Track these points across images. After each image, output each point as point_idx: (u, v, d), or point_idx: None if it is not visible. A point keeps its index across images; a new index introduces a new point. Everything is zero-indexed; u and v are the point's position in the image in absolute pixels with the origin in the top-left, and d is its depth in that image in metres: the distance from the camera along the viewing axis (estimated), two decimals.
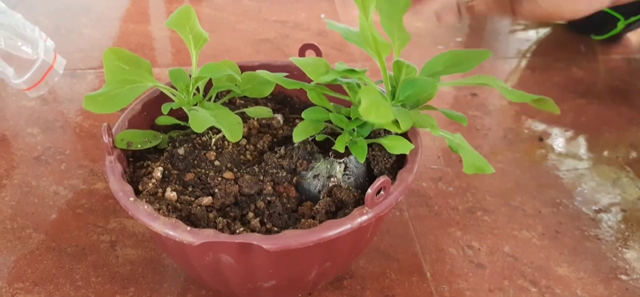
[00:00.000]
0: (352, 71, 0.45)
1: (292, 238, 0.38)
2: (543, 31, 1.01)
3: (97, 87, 0.82)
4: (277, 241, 0.38)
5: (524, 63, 0.91)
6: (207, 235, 0.38)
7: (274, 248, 0.37)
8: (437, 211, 0.60)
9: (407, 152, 0.45)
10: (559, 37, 0.99)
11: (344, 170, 0.45)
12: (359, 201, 0.43)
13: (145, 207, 0.40)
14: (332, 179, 0.45)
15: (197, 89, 0.49)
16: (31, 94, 0.68)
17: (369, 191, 0.39)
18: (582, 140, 0.73)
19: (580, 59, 0.91)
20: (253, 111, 0.51)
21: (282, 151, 0.47)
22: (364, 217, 0.39)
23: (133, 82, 0.46)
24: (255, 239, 0.37)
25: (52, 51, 0.68)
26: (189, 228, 0.38)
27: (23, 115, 0.74)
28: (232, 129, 0.43)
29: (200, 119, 0.43)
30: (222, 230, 0.40)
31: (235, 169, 0.47)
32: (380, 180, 0.39)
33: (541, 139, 0.73)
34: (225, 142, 0.48)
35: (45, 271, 0.52)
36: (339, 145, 0.45)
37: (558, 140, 0.73)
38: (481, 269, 0.54)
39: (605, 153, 0.71)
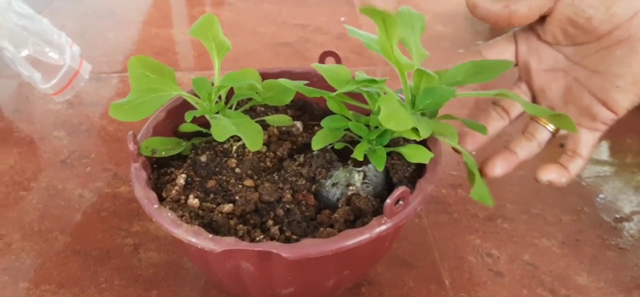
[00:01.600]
0: (373, 81, 0.45)
1: (311, 247, 0.38)
2: None
3: (121, 91, 0.83)
4: (295, 249, 0.38)
5: None
6: (228, 243, 0.39)
7: (293, 257, 0.38)
8: (456, 218, 0.61)
9: (427, 162, 0.45)
10: None
11: (363, 178, 0.46)
12: (378, 210, 0.44)
13: (169, 214, 0.41)
14: (350, 187, 0.45)
15: (219, 97, 0.50)
16: (58, 98, 0.69)
17: (388, 201, 0.39)
18: (604, 147, 0.73)
19: None
20: (273, 119, 0.51)
21: (301, 158, 0.48)
22: (383, 228, 0.40)
23: (157, 90, 0.47)
24: (275, 247, 0.38)
25: (78, 56, 0.70)
26: (210, 236, 0.39)
27: (50, 118, 0.76)
28: (253, 138, 0.44)
29: (222, 128, 0.44)
30: (242, 238, 0.41)
31: (255, 177, 0.48)
32: (399, 190, 0.39)
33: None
34: (246, 150, 0.49)
35: (71, 273, 0.54)
36: (357, 154, 0.45)
37: None
38: (500, 278, 0.54)
39: (628, 159, 0.70)
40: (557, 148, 0.72)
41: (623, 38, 0.45)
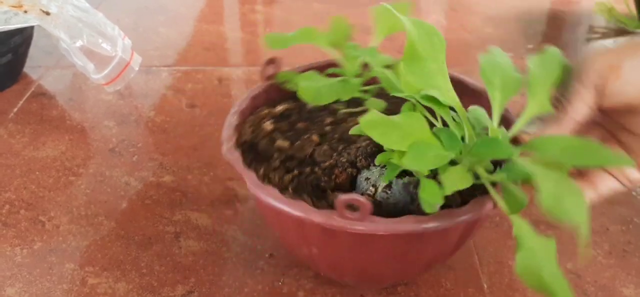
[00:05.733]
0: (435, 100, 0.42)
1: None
2: (622, 40, 0.97)
3: (170, 84, 0.85)
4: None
5: None
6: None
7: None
8: (497, 223, 0.59)
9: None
10: None
11: (387, 188, 0.44)
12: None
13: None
14: (374, 189, 0.45)
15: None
16: (109, 88, 0.72)
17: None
18: None
19: None
20: (371, 103, 0.52)
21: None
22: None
23: None
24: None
25: (129, 49, 0.72)
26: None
27: (101, 108, 0.78)
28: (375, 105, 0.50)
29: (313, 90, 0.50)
30: (277, 169, 0.46)
31: (329, 140, 0.50)
32: (350, 196, 0.38)
33: None
34: (349, 119, 0.52)
35: (114, 257, 0.55)
36: (381, 158, 0.44)
37: None
38: None
39: None
40: None
41: None
